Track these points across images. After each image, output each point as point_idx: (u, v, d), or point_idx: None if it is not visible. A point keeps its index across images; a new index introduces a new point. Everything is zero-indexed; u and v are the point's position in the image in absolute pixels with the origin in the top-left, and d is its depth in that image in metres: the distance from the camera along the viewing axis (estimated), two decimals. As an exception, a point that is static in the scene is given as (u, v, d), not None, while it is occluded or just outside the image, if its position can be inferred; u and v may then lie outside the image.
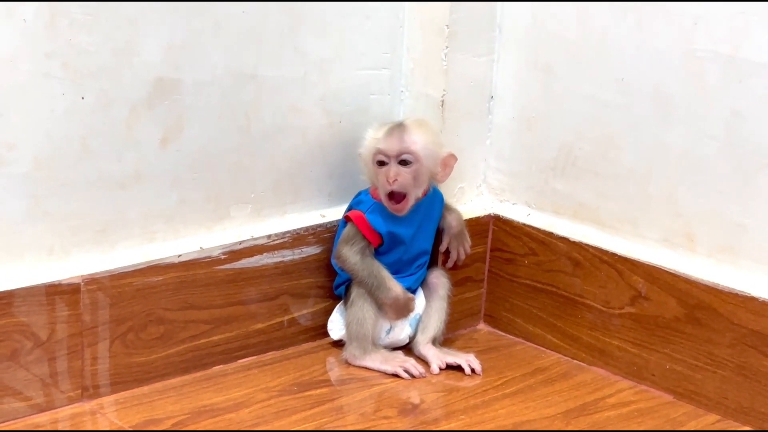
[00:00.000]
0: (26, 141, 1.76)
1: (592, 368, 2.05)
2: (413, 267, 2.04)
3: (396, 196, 1.94)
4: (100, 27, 1.77)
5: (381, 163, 1.95)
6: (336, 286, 2.05)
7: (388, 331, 2.04)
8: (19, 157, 1.76)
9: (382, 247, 1.99)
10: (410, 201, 1.95)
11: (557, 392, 1.96)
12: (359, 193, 2.02)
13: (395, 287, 1.99)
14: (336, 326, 2.04)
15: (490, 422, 1.85)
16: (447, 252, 2.11)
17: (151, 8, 1.82)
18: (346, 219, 2.00)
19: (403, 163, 1.93)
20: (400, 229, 1.98)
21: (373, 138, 1.96)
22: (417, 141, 1.94)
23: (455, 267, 2.12)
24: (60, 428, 1.78)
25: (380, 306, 2.00)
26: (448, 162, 1.98)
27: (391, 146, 1.93)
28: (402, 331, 2.05)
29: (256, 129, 1.98)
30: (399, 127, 1.95)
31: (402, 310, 2.01)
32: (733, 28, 1.84)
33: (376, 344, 2.01)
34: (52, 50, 1.74)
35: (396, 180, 1.92)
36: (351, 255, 1.98)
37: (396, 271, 2.01)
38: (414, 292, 2.06)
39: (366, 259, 1.98)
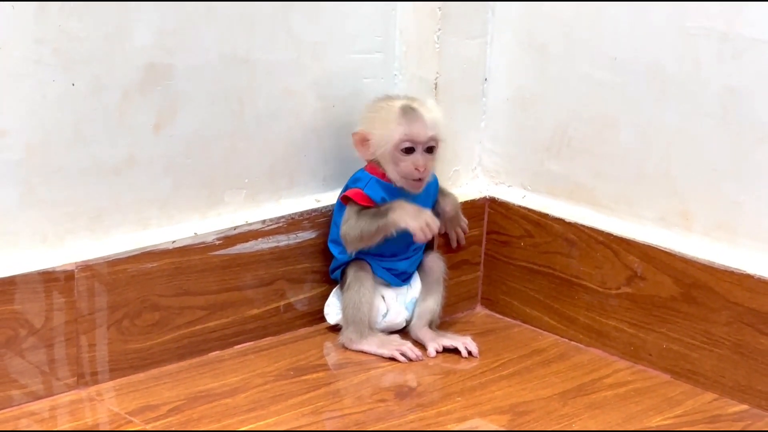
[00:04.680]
0: (18, 128, 1.75)
1: (589, 349, 2.05)
2: (410, 250, 2.03)
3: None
4: (91, 12, 1.77)
5: (407, 150, 1.93)
6: (332, 270, 2.05)
7: (385, 315, 2.04)
8: (11, 144, 1.75)
9: None
10: (425, 182, 1.96)
11: (554, 373, 1.96)
12: (357, 173, 2.01)
13: (393, 209, 1.93)
14: (333, 310, 2.04)
15: (487, 404, 1.85)
16: (444, 235, 2.11)
17: (142, -7, 1.82)
18: (344, 200, 1.99)
19: (429, 149, 1.94)
20: None
21: (395, 123, 1.92)
22: (439, 124, 1.94)
23: (454, 249, 2.12)
24: (58, 415, 1.77)
25: (407, 230, 1.93)
26: None
27: (421, 133, 1.92)
28: (398, 315, 2.05)
29: (250, 113, 1.97)
30: (419, 112, 1.93)
31: (418, 216, 1.92)
32: (727, 4, 1.83)
33: (372, 328, 2.01)
34: (43, 36, 1.74)
35: (425, 169, 1.93)
36: (352, 227, 1.95)
37: (393, 253, 2.01)
38: (411, 275, 2.06)
39: (361, 217, 1.95)
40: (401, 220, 1.93)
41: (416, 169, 1.92)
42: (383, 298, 2.04)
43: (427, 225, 1.92)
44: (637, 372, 1.97)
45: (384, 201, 1.96)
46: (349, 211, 1.97)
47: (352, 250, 1.98)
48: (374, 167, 1.97)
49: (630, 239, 1.99)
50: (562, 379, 1.94)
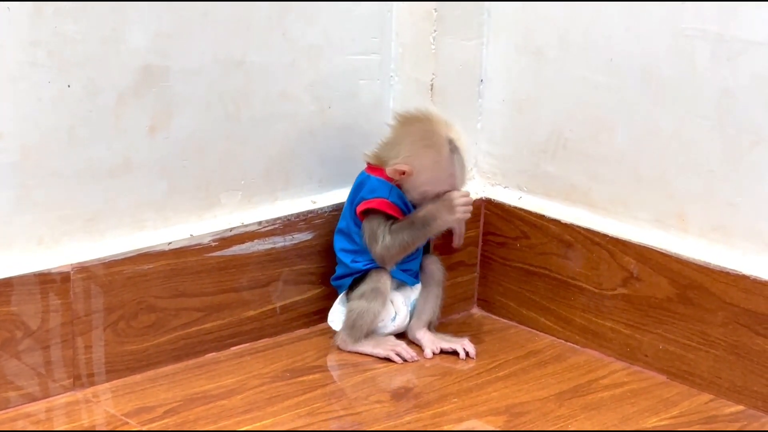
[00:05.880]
0: (13, 130, 1.76)
1: (585, 350, 2.05)
2: (418, 251, 2.03)
3: None
4: (86, 14, 1.77)
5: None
6: (338, 278, 2.02)
7: (394, 319, 2.03)
8: (6, 146, 1.75)
9: None
10: None
11: (550, 374, 1.96)
12: (368, 181, 1.98)
13: (434, 213, 1.95)
14: (338, 317, 2.02)
15: (483, 405, 1.85)
16: (441, 237, 2.11)
17: (137, -5, 1.82)
18: (361, 214, 1.96)
19: None
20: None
21: (446, 174, 1.93)
22: None
23: (450, 251, 2.12)
24: (54, 417, 1.78)
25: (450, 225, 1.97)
26: None
27: (461, 184, 1.96)
28: (405, 318, 2.04)
29: (246, 116, 1.98)
30: (463, 159, 1.95)
31: (451, 208, 1.94)
32: (721, 6, 1.83)
33: (369, 337, 2.00)
34: (38, 38, 1.74)
35: None
36: (390, 244, 1.95)
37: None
38: (417, 273, 2.05)
39: (396, 232, 1.95)
40: (445, 223, 1.95)
41: None
42: (392, 302, 2.03)
43: (465, 207, 1.95)
44: (633, 373, 1.97)
45: (407, 209, 1.96)
46: (375, 224, 1.95)
47: (391, 265, 1.98)
48: (385, 174, 1.95)
49: (626, 240, 1.99)
50: (558, 380, 1.94)
